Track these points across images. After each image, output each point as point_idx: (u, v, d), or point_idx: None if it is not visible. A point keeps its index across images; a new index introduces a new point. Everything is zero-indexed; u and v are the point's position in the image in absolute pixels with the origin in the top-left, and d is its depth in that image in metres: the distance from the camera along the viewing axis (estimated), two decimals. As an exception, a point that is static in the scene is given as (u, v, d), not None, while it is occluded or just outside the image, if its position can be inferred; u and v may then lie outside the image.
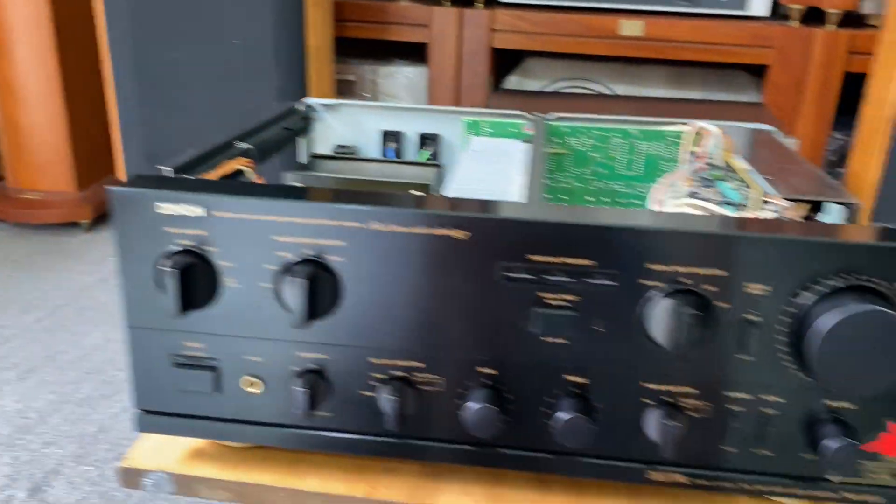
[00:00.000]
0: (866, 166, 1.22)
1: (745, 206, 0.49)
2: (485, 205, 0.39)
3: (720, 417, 0.39)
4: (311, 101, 0.67)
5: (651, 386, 0.39)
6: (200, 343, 0.41)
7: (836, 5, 1.49)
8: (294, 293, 0.38)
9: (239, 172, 0.50)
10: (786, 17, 1.56)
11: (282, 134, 0.60)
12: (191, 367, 0.42)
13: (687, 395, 0.39)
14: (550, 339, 0.39)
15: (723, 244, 0.36)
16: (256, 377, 0.41)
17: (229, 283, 0.40)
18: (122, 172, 1.43)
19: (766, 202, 0.47)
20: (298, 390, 0.40)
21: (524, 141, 0.61)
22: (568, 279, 0.37)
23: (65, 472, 0.99)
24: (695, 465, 0.41)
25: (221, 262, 0.39)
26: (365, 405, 0.41)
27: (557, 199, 0.63)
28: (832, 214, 0.45)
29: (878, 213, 1.18)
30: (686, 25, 1.55)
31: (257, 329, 0.40)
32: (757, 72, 1.71)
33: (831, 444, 0.37)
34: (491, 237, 0.37)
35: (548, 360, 0.39)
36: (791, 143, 0.61)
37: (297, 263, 0.38)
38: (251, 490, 0.43)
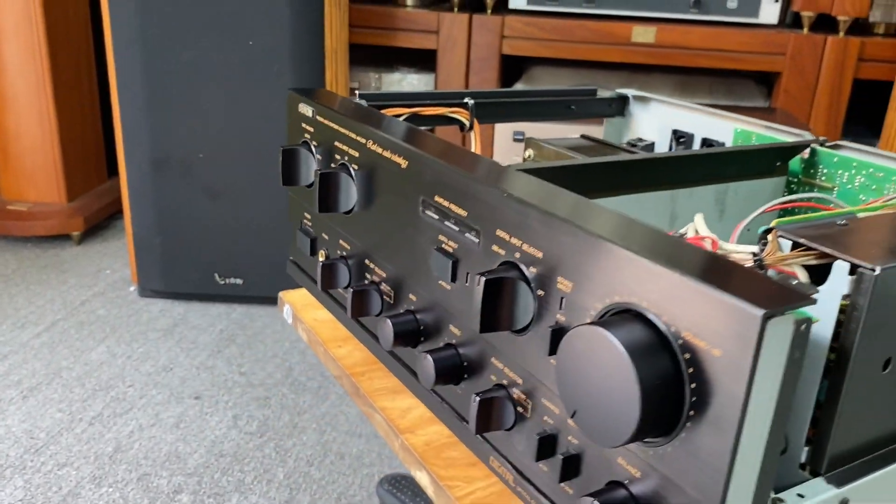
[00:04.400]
0: (894, 170, 1.22)
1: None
2: (425, 140, 0.42)
3: (536, 423, 0.34)
4: (626, 91, 0.68)
5: (496, 362, 0.36)
6: (309, 215, 0.52)
7: (846, 12, 1.50)
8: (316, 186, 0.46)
9: (452, 120, 0.55)
10: (796, 25, 1.57)
11: (551, 108, 0.64)
12: (302, 231, 0.53)
13: (516, 385, 0.35)
14: (441, 282, 0.39)
15: (542, 222, 0.32)
16: (324, 251, 0.51)
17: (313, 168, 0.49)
18: (123, 180, 1.36)
19: (767, 236, 0.39)
20: (321, 264, 0.48)
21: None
22: (453, 226, 0.37)
23: (84, 495, 0.92)
24: (516, 468, 0.36)
25: (316, 156, 0.49)
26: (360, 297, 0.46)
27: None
28: (836, 276, 0.33)
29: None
30: (698, 33, 1.55)
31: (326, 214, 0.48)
32: (763, 80, 1.71)
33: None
34: (416, 171, 0.40)
35: (441, 301, 0.39)
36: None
37: (339, 166, 0.46)
38: (313, 340, 0.53)
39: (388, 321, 0.41)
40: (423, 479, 0.40)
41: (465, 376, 0.38)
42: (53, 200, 1.71)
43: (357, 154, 0.45)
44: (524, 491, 0.35)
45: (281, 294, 0.59)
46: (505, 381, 0.36)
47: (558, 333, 0.31)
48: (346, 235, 0.48)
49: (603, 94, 0.67)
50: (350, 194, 0.45)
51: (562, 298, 0.31)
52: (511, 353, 0.35)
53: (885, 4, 1.52)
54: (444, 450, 0.41)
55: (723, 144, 0.62)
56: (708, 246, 0.36)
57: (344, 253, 0.48)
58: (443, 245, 0.38)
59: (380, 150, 0.42)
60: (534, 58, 1.69)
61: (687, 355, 0.26)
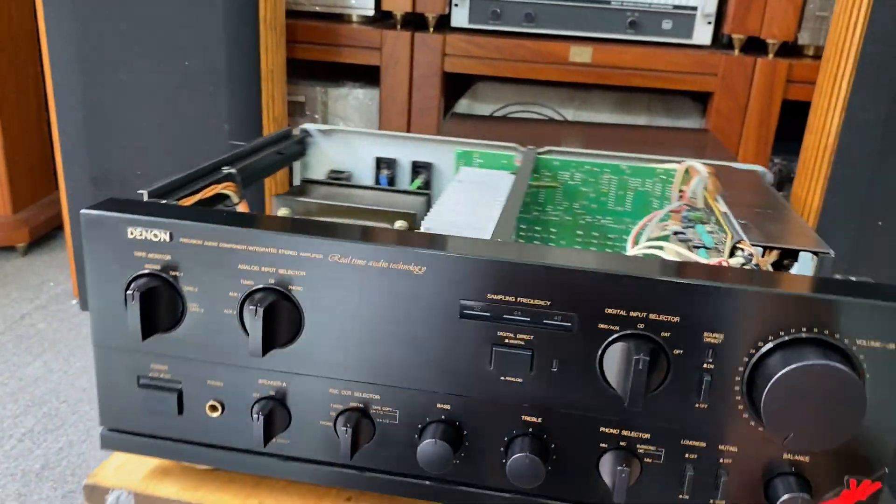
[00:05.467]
0: (809, 192, 1.27)
1: (717, 250, 0.49)
2: (442, 241, 0.39)
3: (675, 464, 0.39)
4: (308, 126, 0.67)
5: (607, 430, 0.39)
6: (165, 366, 0.42)
7: (774, 36, 1.55)
8: (252, 321, 0.38)
9: (223, 197, 0.50)
10: (728, 46, 1.62)
11: (273, 158, 0.60)
12: (155, 388, 0.42)
13: (642, 441, 0.39)
14: (507, 378, 0.39)
15: (675, 290, 0.36)
16: (217, 401, 0.42)
17: (193, 308, 0.40)
18: (63, 196, 1.38)
19: (736, 248, 0.47)
20: (257, 416, 0.40)
21: (513, 173, 0.61)
22: (524, 318, 0.37)
23: (7, 513, 0.94)
24: None
25: (186, 288, 0.40)
26: (323, 434, 0.41)
27: (548, 233, 0.63)
28: (804, 263, 0.45)
29: (821, 233, 1.22)
30: (633, 53, 1.59)
31: (219, 354, 0.41)
32: (700, 98, 1.76)
33: (784, 496, 0.37)
34: (449, 274, 0.37)
35: (504, 398, 0.39)
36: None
37: (259, 291, 0.39)
38: None
39: (443, 443, 0.39)
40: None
41: (554, 457, 0.40)
42: (-2, 212, 1.71)
43: (303, 273, 0.38)
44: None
45: (92, 481, 0.44)
46: (624, 443, 0.39)
47: (711, 381, 0.37)
48: (280, 371, 0.41)
49: (294, 132, 0.67)
50: (290, 323, 0.39)
51: (709, 350, 0.36)
52: (625, 414, 0.38)
53: (812, 28, 1.58)
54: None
55: (431, 166, 0.67)
56: (716, 263, 0.45)
57: (272, 393, 0.41)
58: (506, 341, 0.38)
59: (363, 263, 0.38)
60: (480, 75, 1.72)
61: (861, 356, 0.35)
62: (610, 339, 0.37)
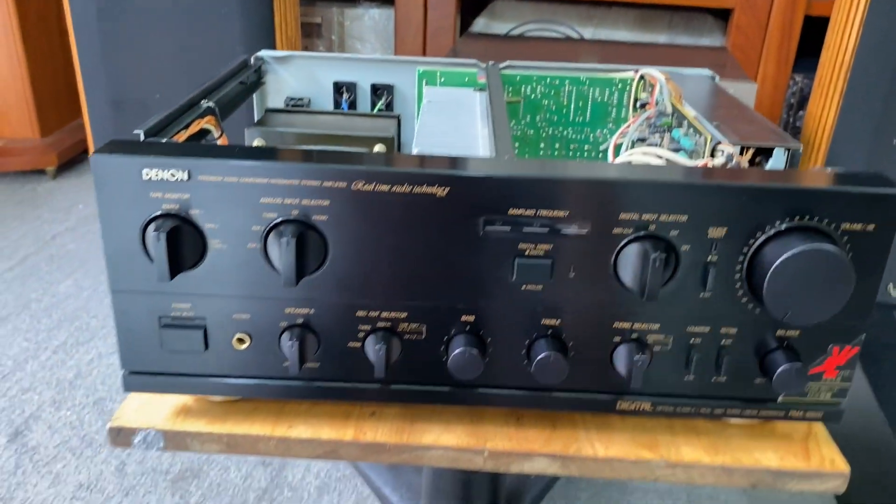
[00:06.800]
0: (824, 109, 1.26)
1: (696, 152, 0.51)
2: (463, 162, 0.41)
3: (681, 349, 0.43)
4: (264, 53, 0.66)
5: (620, 324, 0.42)
6: (187, 304, 0.42)
7: (799, -52, 1.51)
8: (282, 253, 0.39)
9: (205, 132, 0.50)
10: (750, -40, 1.57)
11: (238, 89, 0.60)
12: (179, 327, 0.42)
13: (652, 331, 0.42)
14: (528, 287, 0.41)
15: (686, 193, 0.39)
16: (245, 333, 0.42)
17: (215, 244, 0.40)
18: (87, 120, 1.41)
19: (716, 149, 0.49)
20: (289, 344, 0.41)
21: (477, 90, 0.62)
22: (543, 230, 0.40)
23: (44, 417, 1.01)
24: (658, 394, 0.44)
25: (207, 225, 0.40)
26: (351, 355, 0.43)
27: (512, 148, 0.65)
28: (778, 158, 0.49)
29: (834, 151, 1.22)
30: (652, -32, 1.56)
31: (244, 288, 0.41)
32: (721, 15, 1.73)
33: (780, 367, 0.41)
34: (472, 193, 0.39)
35: (525, 305, 0.42)
36: (748, 87, 0.63)
37: (284, 223, 0.40)
38: (241, 441, 0.44)
39: (473, 350, 0.41)
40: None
41: (572, 354, 0.42)
42: (27, 136, 1.75)
43: (326, 203, 0.39)
44: (675, 408, 0.44)
45: (117, 424, 0.45)
46: (636, 335, 0.42)
47: (715, 272, 0.40)
48: (306, 298, 0.42)
49: (251, 60, 0.65)
50: (316, 251, 0.40)
51: (713, 243, 0.39)
52: (637, 308, 0.42)
53: (839, -61, 1.52)
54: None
55: (392, 87, 0.66)
56: (702, 164, 0.48)
57: (300, 321, 0.42)
58: (527, 252, 0.40)
59: (387, 188, 0.39)
60: (496, -8, 1.70)
61: (845, 238, 0.39)
62: (624, 241, 0.39)
